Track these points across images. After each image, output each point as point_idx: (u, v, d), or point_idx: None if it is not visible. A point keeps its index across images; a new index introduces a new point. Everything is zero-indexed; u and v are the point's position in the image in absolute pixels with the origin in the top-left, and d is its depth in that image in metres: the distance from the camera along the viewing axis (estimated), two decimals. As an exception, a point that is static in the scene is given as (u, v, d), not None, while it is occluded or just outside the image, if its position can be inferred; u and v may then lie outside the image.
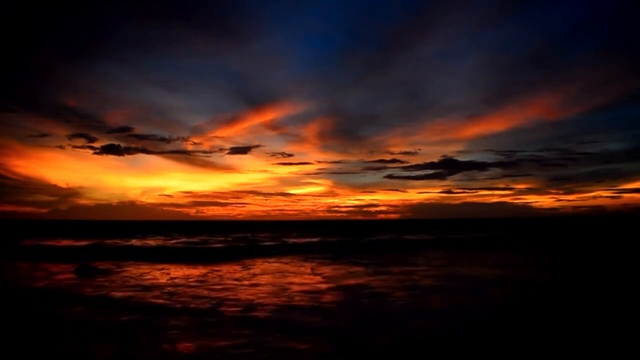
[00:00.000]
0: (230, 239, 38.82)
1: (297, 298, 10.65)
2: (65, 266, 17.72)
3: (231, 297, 10.83)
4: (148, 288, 12.23)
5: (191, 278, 14.45)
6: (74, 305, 10.05)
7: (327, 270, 16.86)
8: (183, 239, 38.23)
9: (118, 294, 11.30)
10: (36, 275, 15.60)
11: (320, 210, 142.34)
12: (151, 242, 34.16)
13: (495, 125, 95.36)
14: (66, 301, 10.64)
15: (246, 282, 13.39)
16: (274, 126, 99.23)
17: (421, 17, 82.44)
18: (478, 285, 12.80)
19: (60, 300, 10.77)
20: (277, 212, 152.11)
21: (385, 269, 16.54)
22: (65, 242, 32.66)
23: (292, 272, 16.13)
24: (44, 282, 13.86)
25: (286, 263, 19.60)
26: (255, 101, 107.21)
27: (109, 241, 33.73)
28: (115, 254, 23.85)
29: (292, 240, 37.00)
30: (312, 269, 17.26)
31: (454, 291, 11.73)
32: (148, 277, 14.80)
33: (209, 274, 15.50)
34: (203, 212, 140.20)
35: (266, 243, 33.34)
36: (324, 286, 12.59)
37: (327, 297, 10.81)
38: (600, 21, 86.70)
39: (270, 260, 21.26)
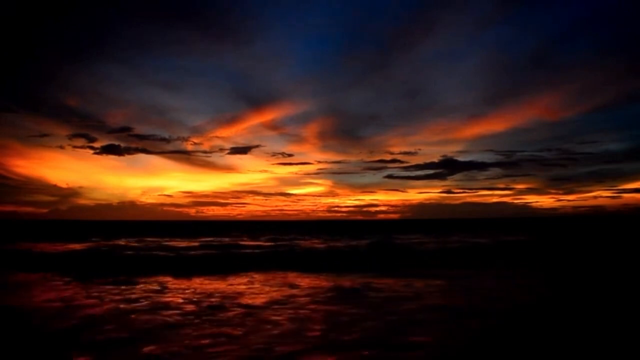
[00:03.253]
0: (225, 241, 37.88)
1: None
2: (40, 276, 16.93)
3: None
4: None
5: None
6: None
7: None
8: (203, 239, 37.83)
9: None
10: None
11: (320, 211, 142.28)
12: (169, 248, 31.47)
13: (495, 125, 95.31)
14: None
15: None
16: (274, 126, 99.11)
17: (421, 18, 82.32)
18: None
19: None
20: (277, 212, 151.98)
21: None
22: (57, 247, 31.95)
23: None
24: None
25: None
26: (255, 101, 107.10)
27: (104, 243, 32.80)
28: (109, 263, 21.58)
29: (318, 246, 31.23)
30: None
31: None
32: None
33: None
34: (203, 212, 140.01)
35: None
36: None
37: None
38: (600, 21, 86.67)
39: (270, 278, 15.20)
